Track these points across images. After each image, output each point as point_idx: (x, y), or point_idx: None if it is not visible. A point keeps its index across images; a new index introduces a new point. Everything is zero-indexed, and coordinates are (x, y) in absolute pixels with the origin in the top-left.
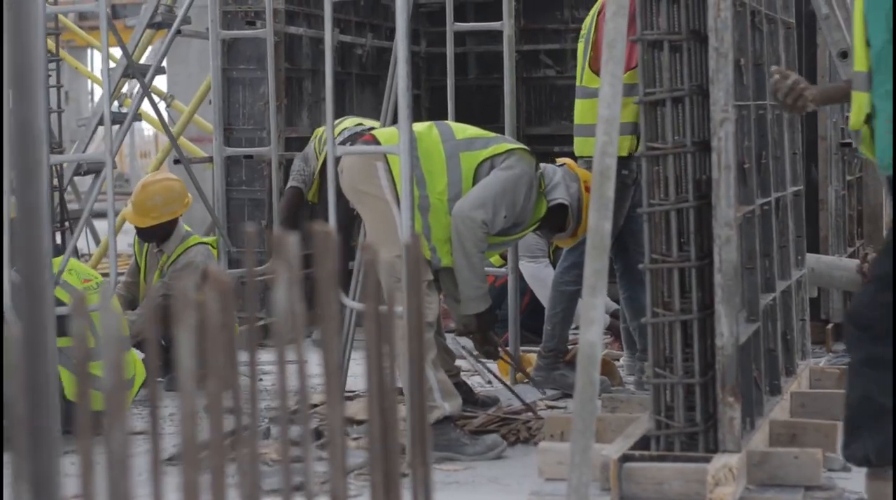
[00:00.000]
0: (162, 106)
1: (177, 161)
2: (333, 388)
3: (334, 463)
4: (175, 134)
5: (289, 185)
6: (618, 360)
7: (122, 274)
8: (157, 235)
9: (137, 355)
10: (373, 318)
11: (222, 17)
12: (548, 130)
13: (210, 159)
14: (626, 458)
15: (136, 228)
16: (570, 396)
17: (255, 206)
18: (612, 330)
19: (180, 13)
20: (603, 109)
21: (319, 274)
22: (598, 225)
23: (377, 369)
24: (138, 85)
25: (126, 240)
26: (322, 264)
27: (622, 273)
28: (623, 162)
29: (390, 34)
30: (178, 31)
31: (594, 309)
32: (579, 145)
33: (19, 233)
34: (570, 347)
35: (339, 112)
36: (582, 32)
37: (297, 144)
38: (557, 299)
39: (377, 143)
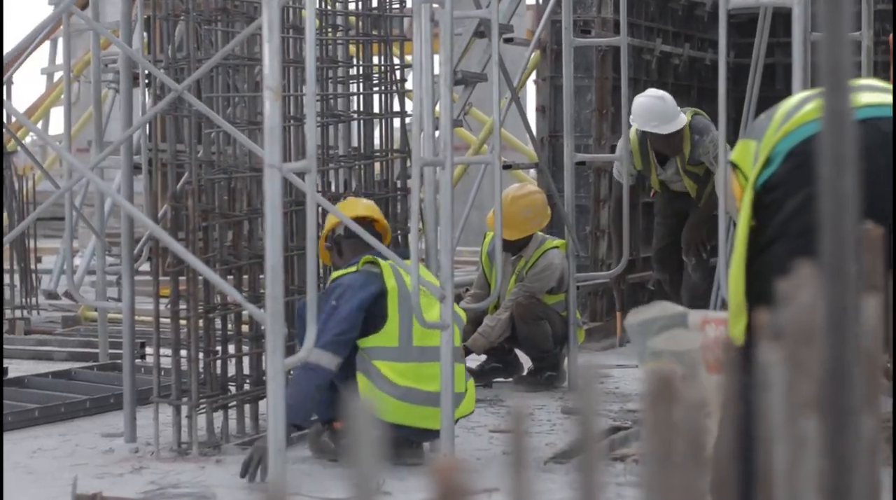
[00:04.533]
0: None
1: (507, 166)
2: None
3: None
4: (480, 141)
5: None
6: None
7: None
8: (520, 245)
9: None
10: None
11: (550, 26)
12: None
13: (534, 165)
14: None
15: (504, 240)
16: None
17: (580, 212)
18: None
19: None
20: None
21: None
22: None
23: None
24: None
25: None
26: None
27: None
28: None
29: (703, 44)
30: (510, 40)
31: None
32: None
33: (827, 221)
34: None
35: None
36: None
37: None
38: None
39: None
